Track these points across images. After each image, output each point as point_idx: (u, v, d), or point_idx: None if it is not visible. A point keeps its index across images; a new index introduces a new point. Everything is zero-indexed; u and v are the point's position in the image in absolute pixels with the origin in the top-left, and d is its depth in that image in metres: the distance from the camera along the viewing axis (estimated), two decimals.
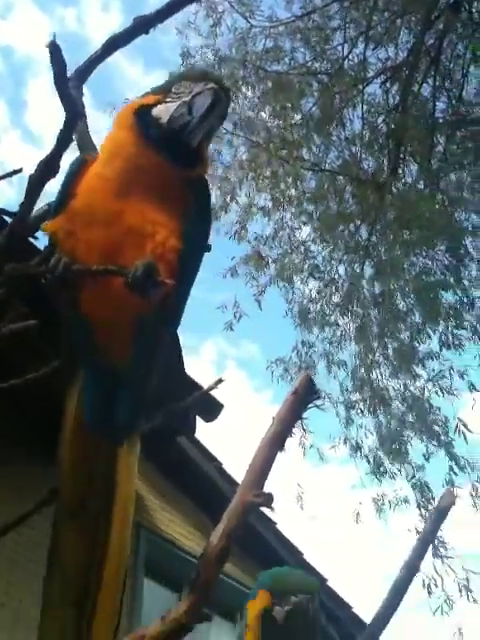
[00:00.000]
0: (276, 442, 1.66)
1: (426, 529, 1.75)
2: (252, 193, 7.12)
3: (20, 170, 1.58)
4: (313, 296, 7.12)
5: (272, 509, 1.57)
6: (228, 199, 7.02)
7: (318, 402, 1.70)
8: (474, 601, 5.70)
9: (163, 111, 1.13)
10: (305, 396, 1.70)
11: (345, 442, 6.79)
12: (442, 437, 6.31)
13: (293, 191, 6.89)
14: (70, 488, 1.08)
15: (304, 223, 7.08)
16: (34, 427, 5.03)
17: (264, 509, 1.62)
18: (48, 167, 0.95)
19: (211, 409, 5.25)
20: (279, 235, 7.05)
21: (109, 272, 0.96)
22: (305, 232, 7.19)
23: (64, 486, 1.09)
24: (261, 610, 1.96)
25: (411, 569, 1.67)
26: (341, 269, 7.25)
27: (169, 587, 6.60)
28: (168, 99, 1.15)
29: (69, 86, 0.90)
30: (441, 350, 6.49)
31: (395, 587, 1.65)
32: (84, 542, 1.07)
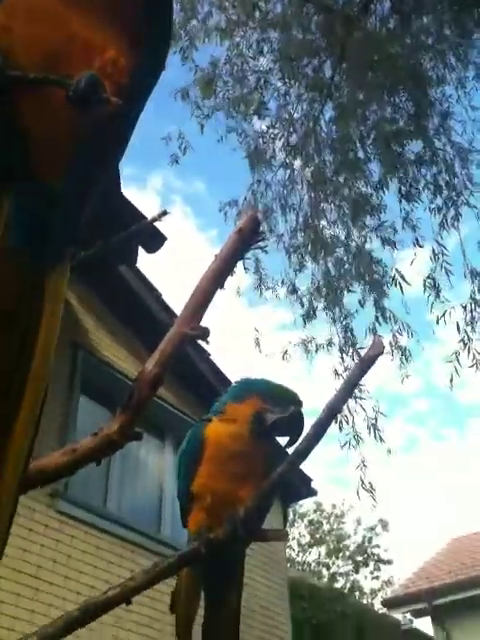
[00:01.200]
0: (217, 279, 1.67)
1: (352, 374, 1.84)
2: (212, 11, 6.60)
3: None
4: (267, 134, 6.89)
5: (208, 342, 1.62)
6: (187, 15, 6.51)
7: (261, 243, 1.71)
8: (381, 440, 6.23)
9: None
10: (249, 236, 1.69)
11: (282, 284, 6.92)
12: (375, 287, 6.52)
13: (257, 13, 6.40)
14: None
15: (261, 53, 6.66)
16: None
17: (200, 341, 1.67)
18: None
19: (154, 241, 5.22)
20: (233, 62, 6.64)
21: (50, 81, 0.88)
22: (263, 62, 6.79)
23: None
24: (253, 413, 2.04)
25: (333, 411, 1.77)
26: (300, 109, 6.98)
27: (104, 405, 6.93)
28: None
29: None
30: (400, 202, 6.51)
31: (316, 425, 1.76)
32: (8, 359, 1.07)
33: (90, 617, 1.55)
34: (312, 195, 6.87)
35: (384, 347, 1.74)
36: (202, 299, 1.66)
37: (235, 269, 1.68)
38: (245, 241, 1.70)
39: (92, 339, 6.77)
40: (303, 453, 1.79)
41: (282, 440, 2.08)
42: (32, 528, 5.46)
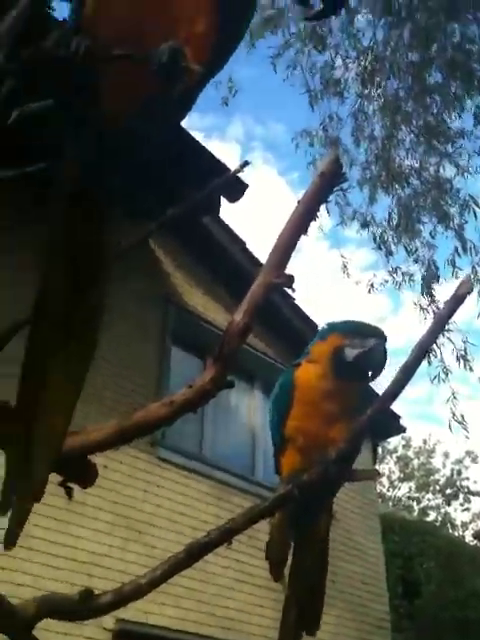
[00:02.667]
0: (300, 225, 1.65)
1: (441, 314, 1.79)
2: None
3: None
4: (337, 64, 6.64)
5: (293, 290, 1.62)
6: None
7: (344, 185, 1.67)
8: (470, 369, 6.11)
9: None
10: (331, 179, 1.66)
11: (354, 218, 6.77)
12: (454, 217, 6.29)
13: None
14: (59, 242, 1.12)
15: None
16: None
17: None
18: None
19: (235, 189, 5.21)
20: None
21: (133, 59, 0.89)
22: None
23: (54, 242, 1.13)
24: (333, 349, 2.06)
25: (423, 349, 1.74)
26: (373, 34, 6.66)
27: (195, 355, 7.10)
28: None
29: None
30: (475, 127, 6.21)
31: (406, 364, 1.73)
32: (66, 300, 1.13)
33: (194, 558, 1.62)
34: (386, 123, 6.62)
35: (472, 286, 1.69)
36: (286, 246, 1.65)
37: (319, 214, 1.65)
38: (328, 184, 1.67)
39: (181, 292, 6.89)
40: (393, 393, 1.77)
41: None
42: (135, 475, 5.73)
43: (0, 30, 1.26)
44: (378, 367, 2.02)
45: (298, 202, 1.66)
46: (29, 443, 1.14)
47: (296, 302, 7.63)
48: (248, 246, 7.15)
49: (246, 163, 1.53)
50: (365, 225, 6.72)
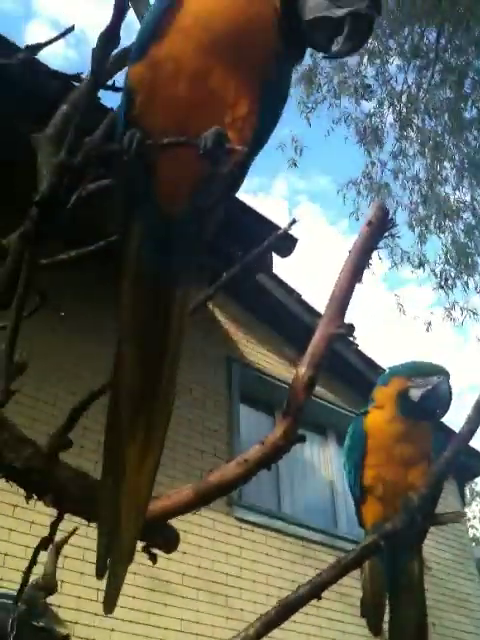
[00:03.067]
0: (354, 274, 1.69)
1: None
2: None
3: (72, 28, 1.53)
4: (373, 111, 6.77)
5: (354, 338, 1.64)
6: None
7: (393, 231, 1.70)
8: None
9: None
10: (380, 226, 1.69)
11: (409, 260, 6.76)
12: None
13: None
14: (129, 324, 1.19)
15: None
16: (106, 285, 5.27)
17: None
18: (109, 38, 0.91)
19: (286, 245, 5.30)
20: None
21: (181, 143, 0.96)
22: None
23: (124, 323, 1.20)
24: (398, 392, 2.06)
25: None
26: (404, 78, 6.78)
27: (263, 411, 7.09)
28: None
29: None
30: None
31: (478, 403, 1.72)
32: (140, 366, 1.20)
33: (285, 616, 1.61)
34: (429, 162, 6.65)
35: None
36: (343, 296, 1.68)
37: (371, 261, 1.68)
38: (377, 232, 1.70)
39: (243, 350, 6.95)
40: (469, 432, 1.75)
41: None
42: (216, 538, 5.69)
43: (57, 126, 1.36)
44: (445, 404, 2.01)
45: (349, 251, 1.70)
46: (117, 511, 1.19)
47: (360, 348, 7.58)
48: (304, 297, 7.19)
49: (294, 221, 1.59)
50: (420, 264, 6.70)
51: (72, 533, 1.37)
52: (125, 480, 1.21)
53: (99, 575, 1.18)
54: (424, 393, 2.01)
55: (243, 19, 1.02)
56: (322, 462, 7.53)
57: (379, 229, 1.68)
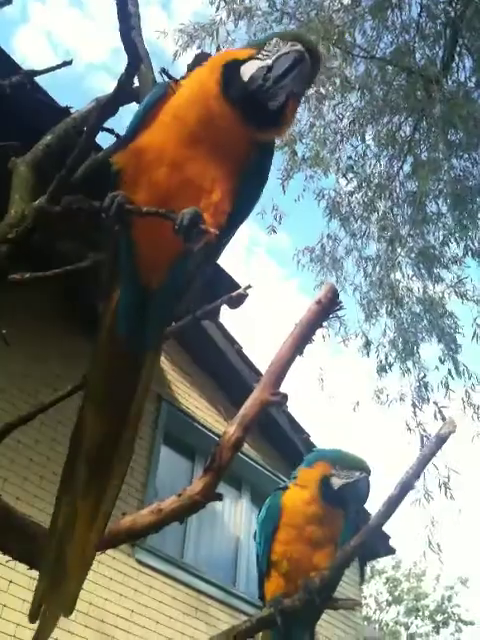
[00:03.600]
0: (296, 346, 1.76)
1: (425, 453, 1.87)
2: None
3: (70, 62, 1.59)
4: (345, 190, 7.03)
5: (286, 408, 1.70)
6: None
7: (339, 313, 1.78)
8: (451, 497, 6.04)
9: (248, 68, 1.13)
10: (328, 306, 1.78)
11: (357, 336, 6.97)
12: (451, 341, 6.49)
13: (337, 80, 6.60)
14: (99, 383, 1.23)
15: (340, 118, 6.84)
16: (74, 309, 5.29)
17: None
18: (106, 111, 0.98)
19: (236, 298, 5.39)
20: (316, 126, 6.85)
21: (159, 215, 1.02)
22: (343, 124, 6.97)
23: (93, 381, 1.23)
24: (321, 477, 2.12)
25: (406, 488, 1.81)
26: (378, 163, 7.09)
27: (184, 454, 7.04)
28: (259, 55, 1.14)
29: (133, 35, 0.91)
30: (464, 257, 6.55)
31: (389, 501, 1.80)
32: (103, 425, 1.23)
33: None
34: (388, 248, 6.93)
35: (456, 426, 1.77)
36: (282, 366, 1.75)
37: (314, 337, 1.76)
38: (324, 311, 1.79)
39: (174, 390, 6.93)
40: (377, 525, 1.82)
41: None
42: (113, 577, 5.57)
43: (37, 154, 1.40)
44: (362, 499, 2.09)
45: (295, 325, 1.78)
46: (62, 561, 1.20)
47: (290, 412, 7.66)
48: (244, 350, 7.26)
49: (249, 286, 1.66)
50: (367, 344, 6.91)
51: None
52: (74, 533, 1.23)
53: (32, 619, 1.19)
54: (345, 484, 2.10)
55: (211, 114, 1.12)
56: (233, 516, 7.49)
57: (327, 308, 1.76)
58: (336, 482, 2.11)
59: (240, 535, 7.33)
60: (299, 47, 1.13)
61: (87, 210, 1.07)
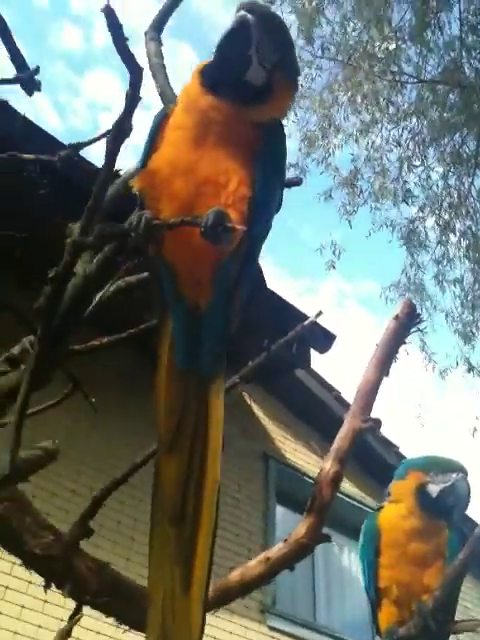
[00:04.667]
0: (381, 367, 1.69)
1: None
2: (348, 115, 6.89)
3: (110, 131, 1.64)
4: (415, 215, 6.92)
5: (380, 434, 1.62)
6: (325, 124, 6.85)
7: (420, 326, 1.71)
8: None
9: (215, 58, 1.14)
10: (407, 321, 1.71)
11: (461, 362, 6.72)
12: None
13: (390, 109, 6.59)
14: (166, 425, 1.18)
15: (398, 144, 6.79)
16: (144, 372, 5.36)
17: (383, 431, 1.66)
18: (120, 129, 1.00)
19: (324, 341, 5.32)
20: (372, 157, 6.83)
21: (185, 223, 1.02)
22: (400, 151, 6.92)
23: (161, 424, 1.19)
24: (416, 486, 1.99)
25: None
26: (445, 184, 6.95)
27: (299, 511, 6.86)
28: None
29: (128, 47, 0.92)
30: None
31: None
32: (181, 471, 1.18)
33: None
34: (473, 267, 6.71)
35: None
36: (369, 390, 1.67)
37: (398, 355, 1.68)
38: (403, 326, 1.71)
39: (280, 446, 6.84)
40: None
41: None
42: None
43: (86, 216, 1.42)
44: (464, 502, 1.94)
45: (376, 346, 1.71)
46: (167, 626, 1.13)
47: (398, 449, 7.38)
48: (343, 394, 7.12)
49: (320, 313, 1.61)
50: (470, 369, 6.67)
51: (78, 619, 1.32)
52: (174, 605, 1.14)
53: None
54: (443, 489, 1.95)
55: (203, 111, 1.14)
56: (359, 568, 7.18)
57: (406, 324, 1.69)
58: (433, 489, 1.96)
59: None
60: (241, 13, 1.12)
61: (117, 233, 1.08)
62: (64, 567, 1.47)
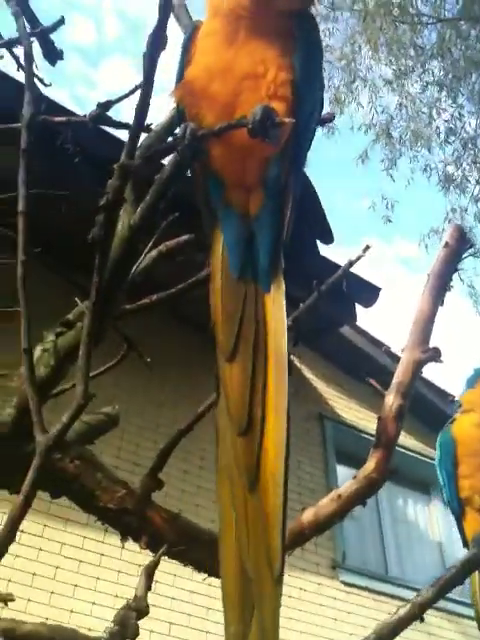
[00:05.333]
0: (435, 297, 1.65)
1: None
2: (372, 66, 6.74)
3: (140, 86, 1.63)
4: (453, 158, 6.75)
5: (441, 362, 1.59)
6: (352, 77, 6.72)
7: (472, 250, 1.67)
8: None
9: None
10: (457, 247, 1.67)
11: None
12: None
13: (412, 52, 6.41)
14: (225, 332, 1.15)
15: (427, 84, 6.61)
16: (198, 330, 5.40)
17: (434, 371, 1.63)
18: (156, 39, 0.98)
19: (369, 294, 5.25)
20: (405, 104, 6.66)
21: (231, 127, 1.01)
22: (430, 93, 6.73)
23: (219, 333, 1.16)
24: None
25: None
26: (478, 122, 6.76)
27: (358, 468, 6.85)
28: None
29: None
30: None
31: None
32: (244, 379, 1.14)
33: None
34: None
35: None
36: (425, 320, 1.64)
37: (452, 283, 1.65)
38: (454, 253, 1.67)
39: (334, 406, 6.84)
40: None
41: None
42: (322, 603, 5.47)
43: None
44: None
45: (428, 275, 1.67)
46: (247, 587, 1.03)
47: (452, 396, 7.30)
48: (392, 349, 7.05)
49: (368, 247, 1.58)
50: None
51: (161, 556, 1.34)
52: (247, 526, 1.03)
53: None
54: None
55: (230, 9, 1.12)
56: (428, 522, 7.16)
57: (457, 250, 1.65)
58: None
59: (440, 539, 6.98)
60: None
61: (162, 150, 1.07)
62: (139, 520, 1.49)
